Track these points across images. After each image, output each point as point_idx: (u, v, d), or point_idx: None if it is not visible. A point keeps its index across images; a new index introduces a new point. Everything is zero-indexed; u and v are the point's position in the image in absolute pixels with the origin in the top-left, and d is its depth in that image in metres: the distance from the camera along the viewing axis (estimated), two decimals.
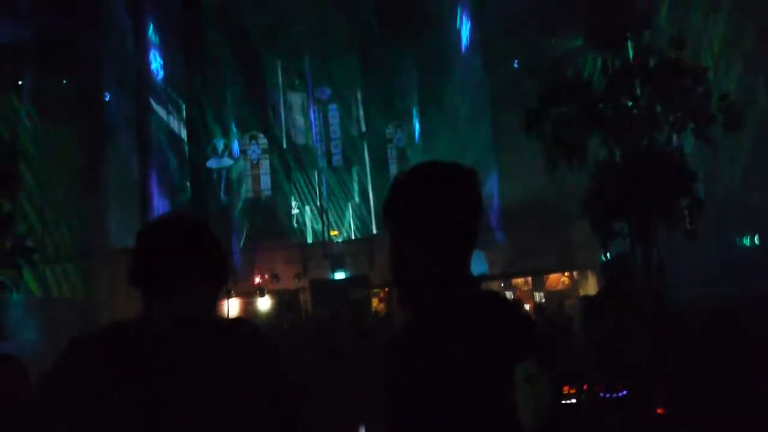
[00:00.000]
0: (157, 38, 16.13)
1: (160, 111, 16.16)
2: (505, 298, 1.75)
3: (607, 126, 7.04)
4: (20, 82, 14.87)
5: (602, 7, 7.42)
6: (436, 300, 1.54)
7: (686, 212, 7.05)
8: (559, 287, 19.83)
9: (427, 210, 1.51)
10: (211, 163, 18.87)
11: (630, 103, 7.16)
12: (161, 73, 16.30)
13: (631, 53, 7.41)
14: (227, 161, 19.58)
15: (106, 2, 14.78)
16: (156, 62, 16.02)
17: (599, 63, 7.53)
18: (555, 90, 7.12)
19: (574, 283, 19.44)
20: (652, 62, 7.16)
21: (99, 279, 13.35)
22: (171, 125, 16.92)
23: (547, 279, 19.82)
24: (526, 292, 20.41)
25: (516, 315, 1.55)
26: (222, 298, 19.54)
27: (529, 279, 20.16)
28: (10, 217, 7.42)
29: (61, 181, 13.74)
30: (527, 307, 16.98)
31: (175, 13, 16.52)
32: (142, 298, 1.56)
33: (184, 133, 17.78)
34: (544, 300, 19.50)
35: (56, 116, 14.95)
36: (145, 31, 15.56)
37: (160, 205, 15.53)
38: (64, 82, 15.67)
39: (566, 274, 19.50)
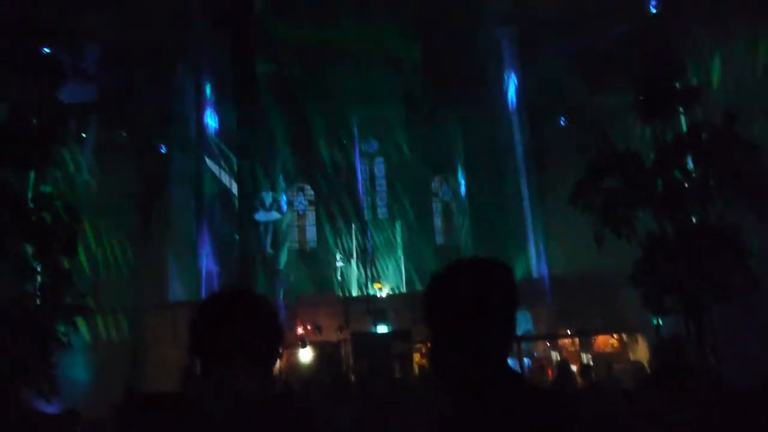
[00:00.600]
0: (213, 96, 16.85)
1: (213, 166, 16.74)
2: (545, 392, 1.76)
3: (658, 200, 6.93)
4: (83, 134, 15.47)
5: (652, 79, 7.41)
6: (477, 397, 1.57)
7: (742, 288, 6.80)
8: (608, 349, 19.18)
9: (463, 308, 1.60)
10: (259, 216, 19.26)
11: (681, 177, 7.05)
12: (215, 130, 16.94)
13: (683, 126, 7.34)
14: (275, 215, 19.96)
15: (166, 61, 15.54)
16: (211, 119, 16.68)
17: (648, 133, 7.49)
18: (603, 161, 7.09)
19: (624, 346, 18.80)
20: (704, 135, 7.08)
21: (151, 331, 13.66)
22: (222, 179, 17.47)
23: (595, 340, 19.21)
24: (573, 353, 19.82)
25: (559, 411, 1.57)
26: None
27: (576, 339, 19.63)
28: (69, 274, 7.73)
29: (119, 233, 14.26)
30: (574, 368, 16.45)
31: (229, 71, 17.26)
32: (200, 368, 1.66)
33: (234, 188, 18.29)
34: (591, 362, 18.90)
35: (115, 168, 15.63)
36: (203, 89, 16.27)
37: (210, 259, 15.91)
38: (124, 135, 16.41)
39: (615, 336, 18.89)
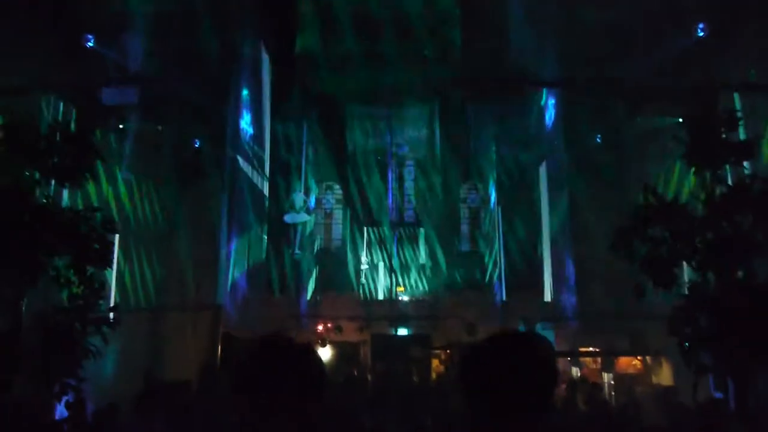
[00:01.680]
0: (248, 97, 16.79)
1: (246, 166, 16.72)
2: None
3: (705, 252, 6.71)
4: (120, 126, 15.45)
5: (700, 130, 7.12)
6: None
7: None
8: (630, 370, 18.99)
9: (503, 379, 1.62)
10: (288, 218, 19.26)
11: (729, 229, 6.81)
12: (249, 130, 16.92)
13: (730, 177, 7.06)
14: (304, 216, 19.93)
15: (204, 61, 15.49)
16: (245, 119, 16.64)
17: (695, 182, 7.22)
18: (649, 211, 6.88)
19: (647, 369, 18.55)
20: (755, 188, 6.82)
21: (173, 331, 13.79)
22: (254, 180, 17.46)
23: (617, 361, 18.99)
24: (594, 371, 19.65)
25: None
26: None
27: (598, 358, 19.43)
28: (102, 286, 7.78)
29: (150, 232, 14.34)
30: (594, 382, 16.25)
31: (265, 71, 17.22)
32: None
33: (266, 189, 18.27)
34: (612, 382, 18.75)
35: (148, 163, 15.73)
36: (239, 89, 16.20)
37: (236, 261, 15.96)
38: (159, 128, 16.46)
39: (638, 358, 18.64)
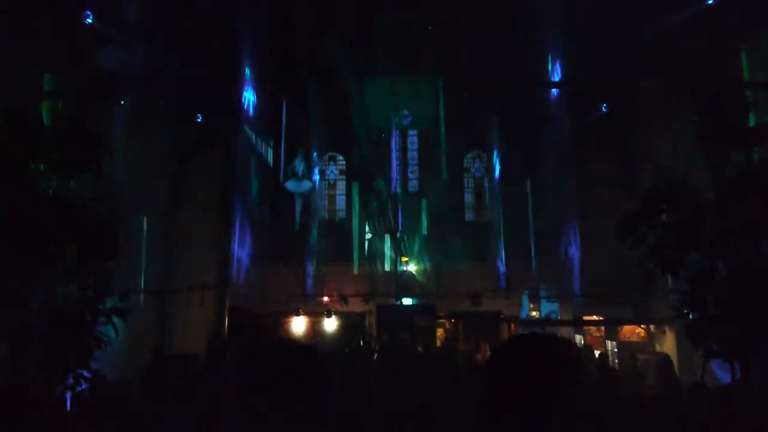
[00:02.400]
0: (251, 68, 16.52)
1: (249, 139, 16.55)
2: None
3: (714, 238, 6.66)
4: (122, 102, 15.26)
5: (712, 116, 6.96)
6: None
7: None
8: (633, 338, 19.15)
9: (527, 379, 1.64)
10: (291, 186, 19.06)
11: (740, 214, 6.73)
12: (253, 102, 16.68)
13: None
14: (307, 184, 19.73)
15: (208, 35, 15.21)
16: (248, 91, 16.39)
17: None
18: (659, 195, 6.80)
19: (650, 337, 18.71)
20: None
21: (180, 310, 13.87)
22: (258, 153, 17.29)
23: (621, 329, 19.14)
24: (597, 338, 19.85)
25: None
26: (290, 317, 20.10)
27: (602, 327, 19.59)
28: (110, 276, 7.75)
29: (154, 208, 14.19)
30: (596, 353, 16.45)
31: (267, 41, 16.88)
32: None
33: (270, 159, 18.07)
34: (616, 350, 18.94)
35: (148, 136, 15.54)
36: (241, 60, 15.92)
37: (241, 234, 15.93)
38: (162, 103, 16.22)
39: (642, 326, 18.79)
